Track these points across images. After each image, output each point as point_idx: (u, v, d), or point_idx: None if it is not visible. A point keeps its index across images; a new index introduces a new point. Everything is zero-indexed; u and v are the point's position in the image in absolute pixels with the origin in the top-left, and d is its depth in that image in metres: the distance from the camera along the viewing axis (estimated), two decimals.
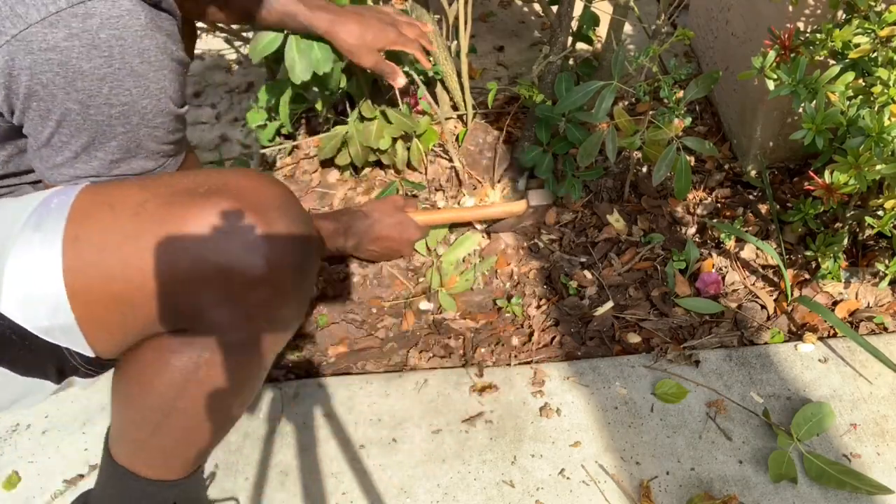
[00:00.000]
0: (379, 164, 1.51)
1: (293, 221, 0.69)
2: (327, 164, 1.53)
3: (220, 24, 1.24)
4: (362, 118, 1.36)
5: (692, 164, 1.49)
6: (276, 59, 1.42)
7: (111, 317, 0.68)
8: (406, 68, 1.40)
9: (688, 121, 1.24)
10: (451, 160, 1.43)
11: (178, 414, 0.75)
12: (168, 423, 0.76)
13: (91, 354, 0.71)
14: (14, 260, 0.65)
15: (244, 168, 0.72)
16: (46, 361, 0.71)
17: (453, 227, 1.38)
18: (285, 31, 1.16)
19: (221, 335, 0.69)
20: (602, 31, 1.72)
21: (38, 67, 0.64)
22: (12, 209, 0.70)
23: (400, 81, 1.19)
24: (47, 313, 0.66)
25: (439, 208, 1.39)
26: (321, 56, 1.16)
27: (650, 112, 1.24)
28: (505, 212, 1.32)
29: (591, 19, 1.50)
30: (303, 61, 1.16)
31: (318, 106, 1.38)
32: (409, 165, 1.47)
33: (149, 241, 0.64)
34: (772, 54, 1.07)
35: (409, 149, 1.41)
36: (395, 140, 1.39)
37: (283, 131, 1.52)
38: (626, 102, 1.59)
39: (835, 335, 1.17)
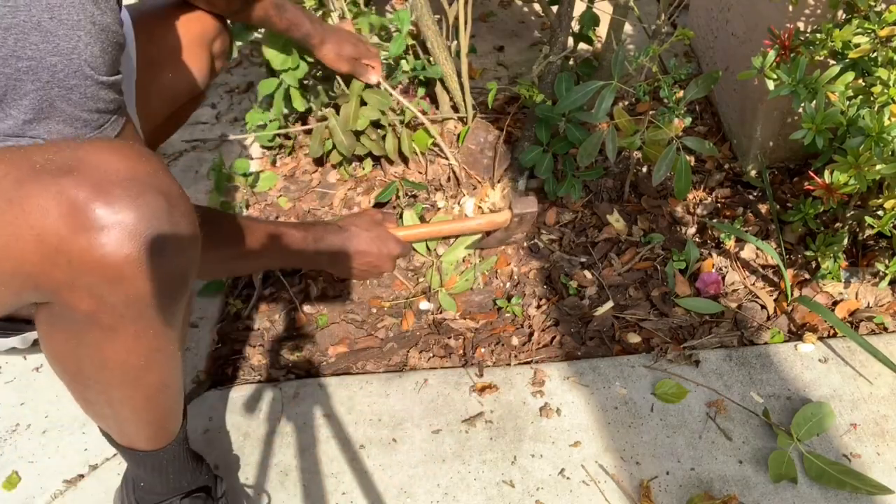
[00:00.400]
0: (377, 162, 1.51)
1: (140, 197, 0.65)
2: (322, 162, 1.53)
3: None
4: (337, 106, 1.38)
5: (692, 164, 1.49)
6: None
7: None
8: (406, 67, 1.40)
9: (688, 121, 1.24)
10: (447, 159, 1.43)
11: (93, 384, 0.76)
12: (91, 392, 0.77)
13: None
14: None
15: (109, 141, 0.71)
16: None
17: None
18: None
19: (83, 315, 0.68)
20: (602, 31, 1.73)
21: None
22: None
23: (373, 79, 1.34)
24: None
25: (420, 223, 1.35)
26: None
27: (650, 112, 1.24)
28: (488, 223, 1.25)
29: (591, 19, 1.50)
30: None
31: (296, 103, 1.40)
32: (403, 159, 1.47)
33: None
34: (772, 54, 1.07)
35: (399, 139, 1.41)
36: (381, 130, 1.41)
37: (283, 132, 1.52)
38: (626, 102, 1.59)
39: (835, 335, 1.17)
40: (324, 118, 1.41)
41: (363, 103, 1.36)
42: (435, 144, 1.45)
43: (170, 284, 0.69)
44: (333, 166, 1.52)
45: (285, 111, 1.47)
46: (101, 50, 0.71)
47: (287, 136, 1.57)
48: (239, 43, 1.31)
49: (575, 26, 1.51)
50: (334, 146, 1.42)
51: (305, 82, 1.42)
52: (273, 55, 1.32)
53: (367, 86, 1.36)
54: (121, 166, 0.66)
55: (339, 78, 1.38)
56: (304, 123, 1.61)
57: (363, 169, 1.52)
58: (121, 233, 0.63)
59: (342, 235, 1.11)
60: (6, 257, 0.64)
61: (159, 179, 0.68)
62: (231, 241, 0.95)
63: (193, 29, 1.10)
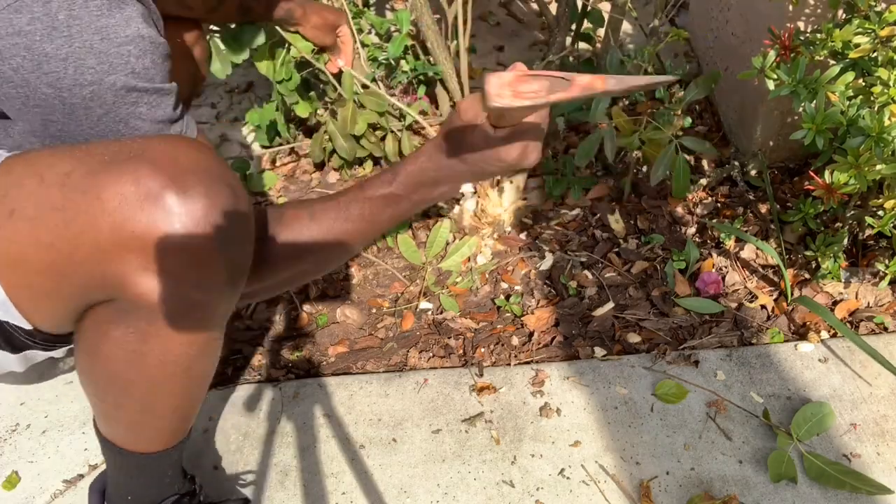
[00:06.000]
0: (378, 163, 1.51)
1: (211, 186, 0.68)
2: (323, 166, 1.53)
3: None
4: (334, 111, 1.38)
5: (692, 163, 1.49)
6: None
7: (43, 286, 0.69)
8: (406, 67, 1.40)
9: (687, 121, 1.24)
10: None
11: (134, 385, 0.75)
12: (128, 395, 0.76)
13: (28, 327, 0.73)
14: None
15: (172, 135, 0.75)
16: None
17: (459, 226, 1.38)
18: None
19: (151, 303, 0.69)
20: (602, 30, 1.72)
21: (7, 52, 0.66)
22: None
23: (340, 63, 1.33)
24: None
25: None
26: None
27: (648, 111, 1.24)
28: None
29: (599, 19, 1.50)
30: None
31: (300, 110, 1.40)
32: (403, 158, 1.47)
33: (73, 211, 0.65)
34: (772, 54, 1.07)
35: (400, 141, 1.41)
36: (381, 131, 1.40)
37: (282, 134, 1.53)
38: (626, 102, 1.59)
39: (835, 335, 1.17)
40: (320, 123, 1.41)
41: (360, 106, 1.36)
42: None
43: (233, 273, 0.71)
44: (335, 169, 1.52)
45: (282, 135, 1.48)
46: (151, 62, 0.73)
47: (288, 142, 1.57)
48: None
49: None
50: (335, 150, 1.42)
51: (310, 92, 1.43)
52: (266, 66, 1.34)
53: (363, 85, 1.36)
54: (190, 157, 0.68)
55: (333, 81, 1.37)
56: (305, 126, 1.61)
57: (364, 169, 1.52)
58: (193, 219, 0.66)
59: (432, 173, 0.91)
60: (79, 245, 0.65)
61: (225, 172, 0.70)
62: (327, 231, 0.84)
63: (173, 37, 1.09)
